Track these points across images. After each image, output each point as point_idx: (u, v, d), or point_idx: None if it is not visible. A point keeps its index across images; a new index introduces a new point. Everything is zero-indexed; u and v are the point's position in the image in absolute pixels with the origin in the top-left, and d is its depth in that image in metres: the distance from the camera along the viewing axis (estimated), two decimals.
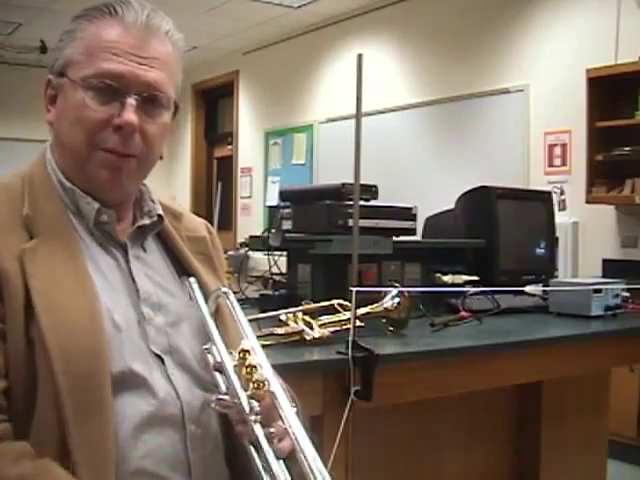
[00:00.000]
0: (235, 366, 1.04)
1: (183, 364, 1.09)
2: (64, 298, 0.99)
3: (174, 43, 1.12)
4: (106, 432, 0.95)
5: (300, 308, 1.77)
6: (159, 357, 1.06)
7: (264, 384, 1.01)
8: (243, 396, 1.01)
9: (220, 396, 1.05)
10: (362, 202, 2.05)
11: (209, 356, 1.09)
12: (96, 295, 1.02)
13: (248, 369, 1.01)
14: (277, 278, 2.39)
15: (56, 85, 1.10)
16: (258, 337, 1.13)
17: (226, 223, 7.85)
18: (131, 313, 1.07)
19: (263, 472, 0.98)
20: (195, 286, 1.16)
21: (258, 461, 0.99)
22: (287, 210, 2.29)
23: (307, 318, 1.75)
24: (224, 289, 1.16)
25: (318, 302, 1.80)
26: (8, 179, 1.10)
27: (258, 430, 0.99)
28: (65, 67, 1.08)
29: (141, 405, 1.01)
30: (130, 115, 1.05)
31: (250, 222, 7.62)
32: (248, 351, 1.03)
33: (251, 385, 1.01)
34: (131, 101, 1.05)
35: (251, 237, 2.41)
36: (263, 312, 1.86)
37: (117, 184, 1.10)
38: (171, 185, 8.75)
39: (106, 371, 0.97)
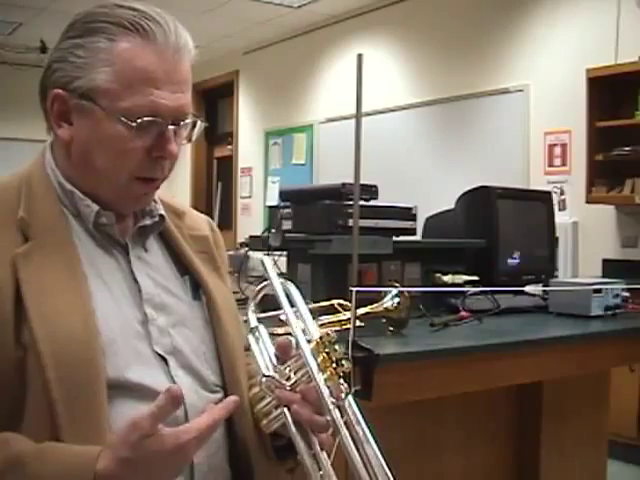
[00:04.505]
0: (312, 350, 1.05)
1: (186, 365, 1.08)
2: (58, 304, 0.97)
3: (191, 57, 1.08)
4: (101, 438, 0.94)
5: None
6: (163, 358, 1.06)
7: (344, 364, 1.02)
8: (321, 380, 1.02)
9: (270, 373, 1.06)
10: (362, 202, 2.04)
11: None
12: (92, 300, 1.01)
13: (326, 346, 1.02)
14: None
15: (74, 105, 1.04)
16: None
17: (226, 223, 7.85)
18: (133, 315, 1.06)
19: (318, 456, 1.01)
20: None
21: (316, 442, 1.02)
22: (287, 210, 2.29)
23: None
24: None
25: (318, 302, 1.80)
26: (5, 179, 1.09)
27: (336, 414, 0.99)
28: (93, 92, 1.02)
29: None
30: (173, 147, 1.05)
31: (250, 222, 7.62)
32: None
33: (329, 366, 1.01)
34: (170, 132, 1.05)
35: (251, 237, 2.41)
36: (263, 312, 1.85)
37: (143, 204, 1.13)
38: (171, 185, 8.73)
39: (101, 378, 0.96)
